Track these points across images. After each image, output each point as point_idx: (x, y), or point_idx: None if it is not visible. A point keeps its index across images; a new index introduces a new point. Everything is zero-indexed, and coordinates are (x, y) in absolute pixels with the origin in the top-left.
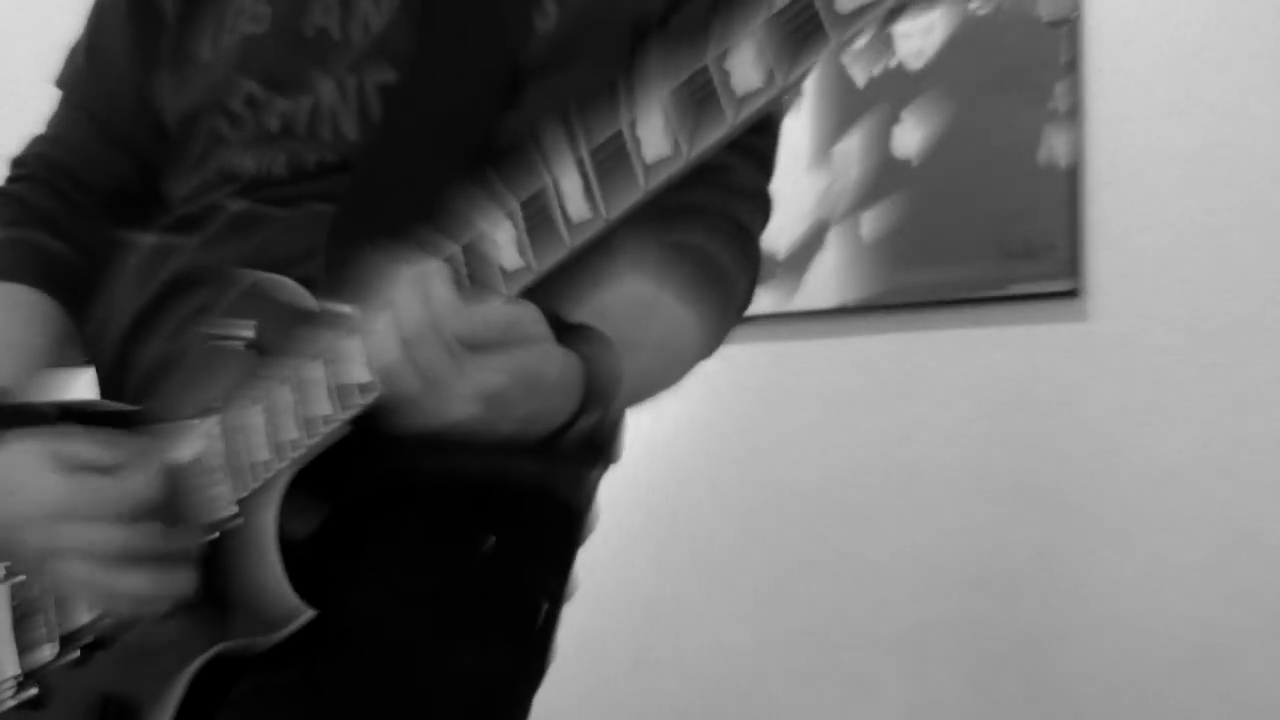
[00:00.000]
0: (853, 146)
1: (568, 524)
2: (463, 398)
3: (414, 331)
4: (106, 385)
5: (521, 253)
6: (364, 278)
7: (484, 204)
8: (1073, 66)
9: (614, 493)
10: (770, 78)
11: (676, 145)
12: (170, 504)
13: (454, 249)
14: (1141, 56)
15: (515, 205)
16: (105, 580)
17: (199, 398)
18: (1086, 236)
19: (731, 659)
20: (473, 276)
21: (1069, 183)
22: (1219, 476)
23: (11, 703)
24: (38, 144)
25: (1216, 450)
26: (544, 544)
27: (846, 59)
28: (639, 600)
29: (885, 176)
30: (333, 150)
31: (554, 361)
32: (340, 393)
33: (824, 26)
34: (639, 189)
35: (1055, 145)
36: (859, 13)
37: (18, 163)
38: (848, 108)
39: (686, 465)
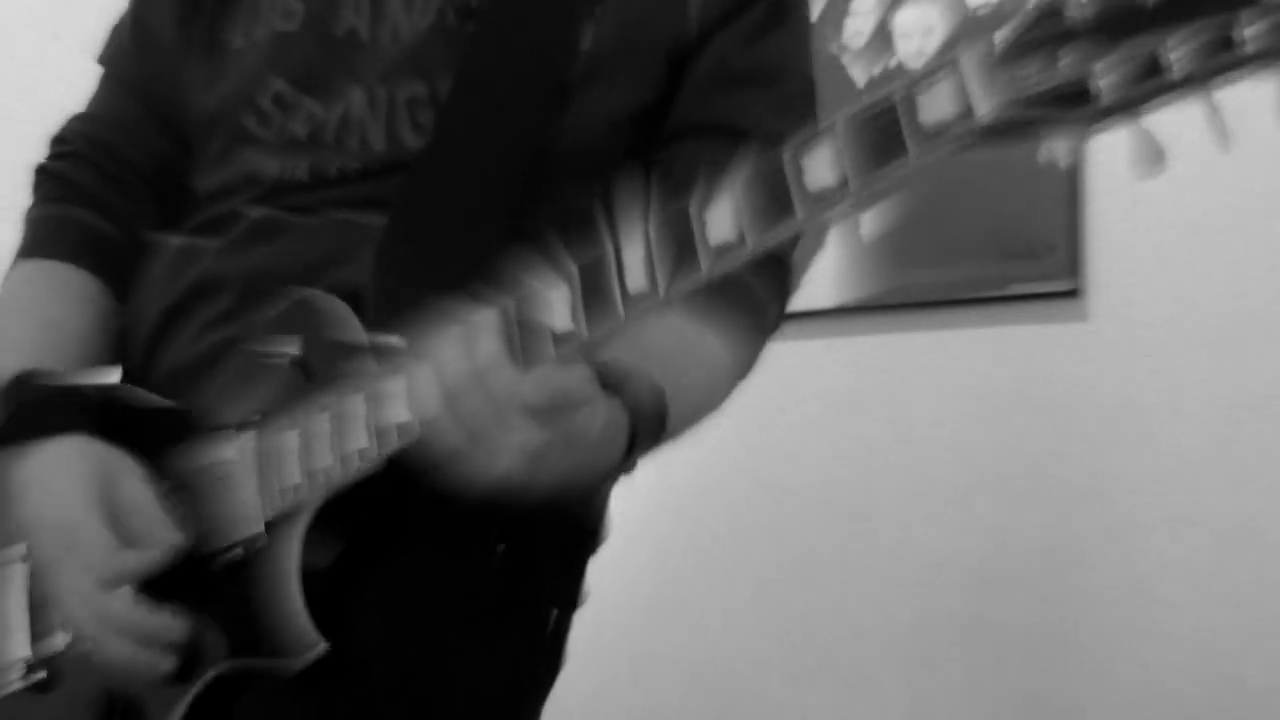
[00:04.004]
0: None
1: (579, 532)
2: (506, 453)
3: (457, 384)
4: (132, 383)
5: (574, 317)
6: (413, 305)
7: (540, 264)
8: None
9: (614, 493)
10: (844, 182)
11: (741, 234)
12: (195, 518)
13: (507, 302)
14: None
15: (574, 269)
16: (86, 619)
17: (237, 409)
18: (1086, 236)
19: (731, 659)
20: (523, 333)
21: (1069, 183)
22: (1219, 476)
23: (20, 685)
24: (79, 121)
25: (1216, 450)
26: (554, 552)
27: (846, 59)
28: (639, 600)
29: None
30: (356, 159)
31: (599, 418)
32: (379, 431)
33: (904, 138)
34: (700, 272)
35: (1055, 145)
36: (942, 128)
37: (59, 140)
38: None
39: (686, 465)
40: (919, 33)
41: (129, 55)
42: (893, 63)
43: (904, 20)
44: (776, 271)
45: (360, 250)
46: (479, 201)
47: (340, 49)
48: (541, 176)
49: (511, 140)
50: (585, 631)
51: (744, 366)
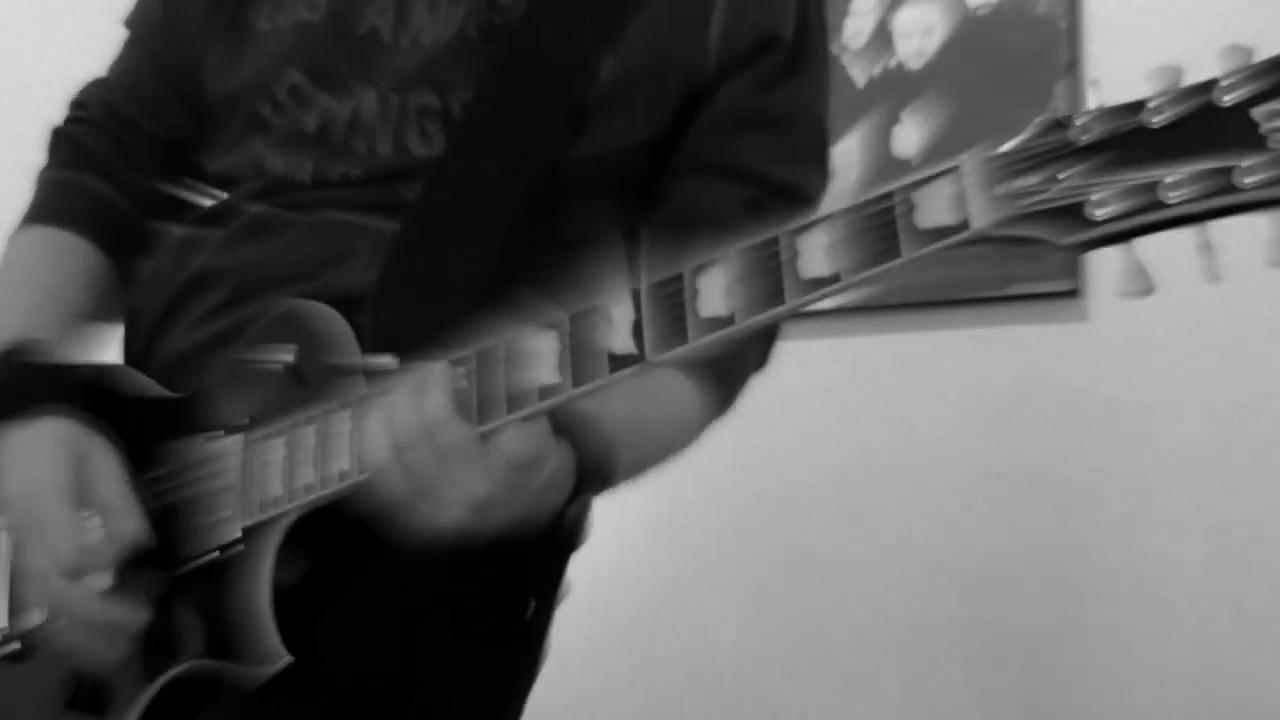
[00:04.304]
0: (853, 146)
1: (555, 522)
2: (452, 503)
3: (405, 437)
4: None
5: (560, 369)
6: (415, 317)
7: (531, 312)
8: (1073, 66)
9: (613, 493)
10: (836, 275)
11: (731, 310)
12: (175, 516)
13: (496, 344)
14: (1141, 56)
15: (565, 319)
16: (57, 590)
17: (227, 411)
18: None
19: (731, 659)
20: (509, 380)
21: None
22: (1219, 476)
23: None
24: (99, 87)
25: (1216, 449)
26: (530, 540)
27: (846, 59)
28: (639, 600)
29: (885, 176)
30: (360, 165)
31: (547, 468)
32: (362, 455)
33: (899, 239)
34: (685, 340)
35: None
36: (937, 234)
37: (77, 104)
38: (848, 108)
39: (686, 465)
40: (919, 33)
41: (156, 23)
42: (892, 63)
43: (904, 20)
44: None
45: (354, 252)
46: (488, 218)
47: (359, 46)
48: (550, 199)
49: (525, 160)
50: (585, 631)
51: (718, 410)
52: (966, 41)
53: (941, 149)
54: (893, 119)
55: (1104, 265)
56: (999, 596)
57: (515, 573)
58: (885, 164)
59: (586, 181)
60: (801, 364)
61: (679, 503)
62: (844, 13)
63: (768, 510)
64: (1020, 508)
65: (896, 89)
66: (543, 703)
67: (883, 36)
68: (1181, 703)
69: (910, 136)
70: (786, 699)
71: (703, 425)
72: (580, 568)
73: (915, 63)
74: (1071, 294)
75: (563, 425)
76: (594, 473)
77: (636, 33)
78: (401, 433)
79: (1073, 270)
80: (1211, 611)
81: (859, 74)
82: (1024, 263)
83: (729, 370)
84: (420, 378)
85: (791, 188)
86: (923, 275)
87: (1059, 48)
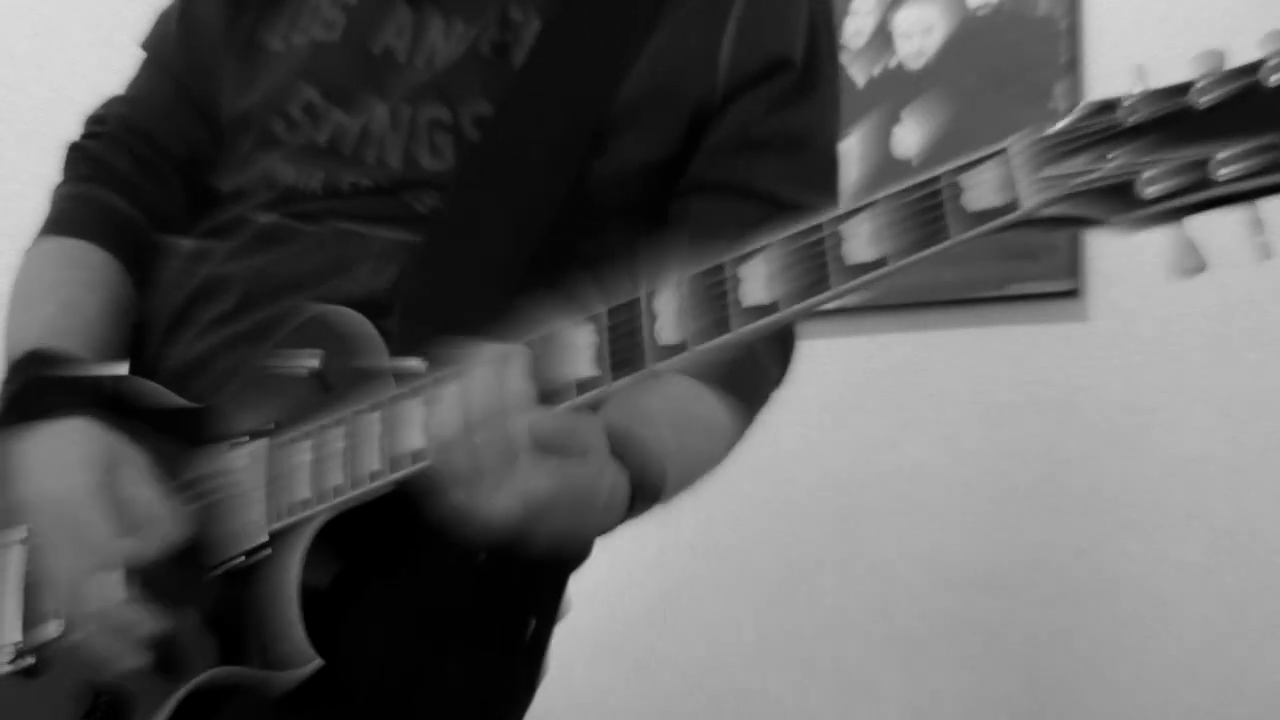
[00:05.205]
0: (852, 146)
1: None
2: (508, 493)
3: (481, 413)
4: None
5: (599, 362)
6: (438, 327)
7: (572, 305)
8: (1073, 66)
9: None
10: (882, 260)
11: (775, 298)
12: (200, 522)
13: (536, 338)
14: (1141, 56)
15: (603, 312)
16: (74, 602)
17: (251, 416)
18: (1086, 236)
19: (732, 659)
20: (548, 373)
21: None
22: (1219, 476)
23: (8, 669)
24: (117, 104)
25: (1217, 449)
26: (535, 560)
27: (846, 59)
28: (639, 600)
29: (885, 176)
30: (369, 175)
31: (605, 479)
32: (393, 456)
33: (946, 222)
34: (727, 329)
35: None
36: (986, 216)
37: (95, 120)
38: (848, 108)
39: None
40: (919, 32)
41: (174, 44)
42: (892, 63)
43: (904, 20)
44: (780, 335)
45: (360, 261)
46: (513, 229)
47: (375, 66)
48: (572, 215)
49: (549, 175)
50: (587, 631)
51: (741, 430)
52: (966, 41)
53: (942, 149)
54: (893, 119)
55: (1104, 265)
56: (999, 597)
57: (517, 589)
58: (885, 164)
59: (599, 200)
60: (801, 364)
61: (679, 503)
62: (844, 13)
63: (767, 510)
64: (1020, 508)
65: (896, 89)
66: (545, 704)
67: (883, 36)
68: (1182, 703)
69: (910, 136)
70: (787, 699)
71: (733, 444)
72: (584, 569)
73: (915, 63)
74: (1071, 294)
75: (618, 447)
76: (645, 495)
77: (649, 53)
78: (478, 410)
79: (1073, 270)
80: (1211, 612)
81: (859, 74)
82: (1023, 263)
83: (754, 386)
84: (501, 354)
85: (803, 208)
86: (927, 274)
87: (1059, 48)
